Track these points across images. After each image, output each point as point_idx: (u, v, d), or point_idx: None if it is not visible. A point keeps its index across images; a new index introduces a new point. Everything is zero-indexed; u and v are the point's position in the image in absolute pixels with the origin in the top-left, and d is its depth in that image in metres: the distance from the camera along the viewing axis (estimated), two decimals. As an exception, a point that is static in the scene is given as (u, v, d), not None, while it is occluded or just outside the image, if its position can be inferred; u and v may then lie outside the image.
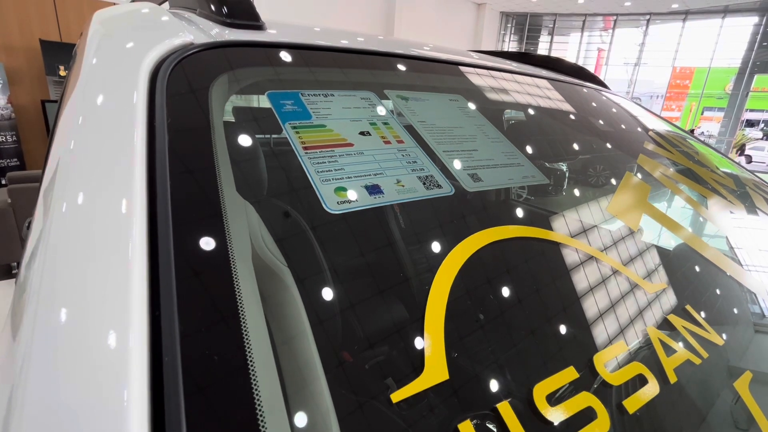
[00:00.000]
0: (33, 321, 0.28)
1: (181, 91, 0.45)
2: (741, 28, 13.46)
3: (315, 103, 0.55)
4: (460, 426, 0.34)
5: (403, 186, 0.50)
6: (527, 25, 15.79)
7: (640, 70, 15.33)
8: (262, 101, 0.53)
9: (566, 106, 0.93)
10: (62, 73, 4.16)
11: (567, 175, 0.82)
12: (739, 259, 0.75)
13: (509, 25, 15.64)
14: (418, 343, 0.39)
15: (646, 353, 0.48)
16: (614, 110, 1.07)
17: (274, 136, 0.53)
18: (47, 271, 0.31)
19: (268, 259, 0.41)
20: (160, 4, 0.77)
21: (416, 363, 0.37)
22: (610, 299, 0.53)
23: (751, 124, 15.28)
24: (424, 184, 0.52)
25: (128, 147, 0.37)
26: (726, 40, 13.69)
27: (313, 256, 0.44)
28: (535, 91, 0.92)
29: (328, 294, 0.42)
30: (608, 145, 0.90)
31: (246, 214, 0.42)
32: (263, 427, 0.27)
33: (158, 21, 0.58)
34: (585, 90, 1.06)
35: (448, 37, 12.88)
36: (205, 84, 0.48)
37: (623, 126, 1.04)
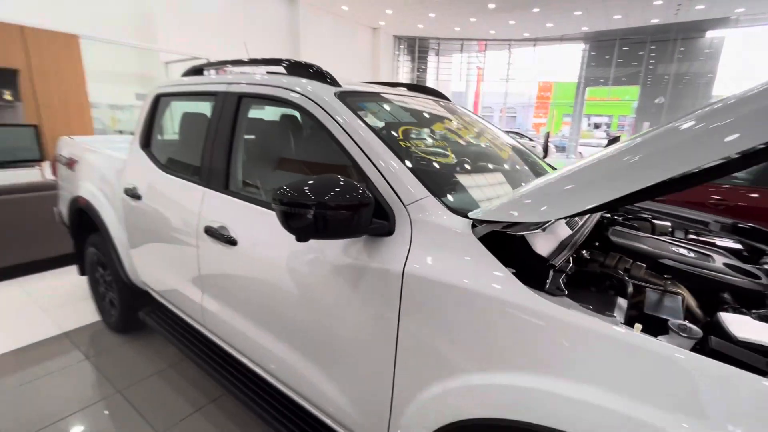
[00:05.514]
0: None
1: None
2: (576, 52, 17.44)
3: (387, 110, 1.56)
4: None
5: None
6: (417, 47, 18.05)
7: (514, 85, 18.59)
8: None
9: (449, 107, 2.04)
10: (8, 97, 4.20)
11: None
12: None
13: (402, 47, 17.68)
14: None
15: None
16: (459, 108, 2.22)
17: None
18: None
19: None
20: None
21: None
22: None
23: (597, 126, 19.00)
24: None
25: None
26: (568, 61, 17.56)
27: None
28: (432, 104, 1.98)
29: None
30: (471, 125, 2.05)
31: None
32: None
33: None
34: (444, 101, 2.11)
35: (350, 58, 14.14)
36: (359, 100, 1.44)
37: (469, 117, 2.19)
